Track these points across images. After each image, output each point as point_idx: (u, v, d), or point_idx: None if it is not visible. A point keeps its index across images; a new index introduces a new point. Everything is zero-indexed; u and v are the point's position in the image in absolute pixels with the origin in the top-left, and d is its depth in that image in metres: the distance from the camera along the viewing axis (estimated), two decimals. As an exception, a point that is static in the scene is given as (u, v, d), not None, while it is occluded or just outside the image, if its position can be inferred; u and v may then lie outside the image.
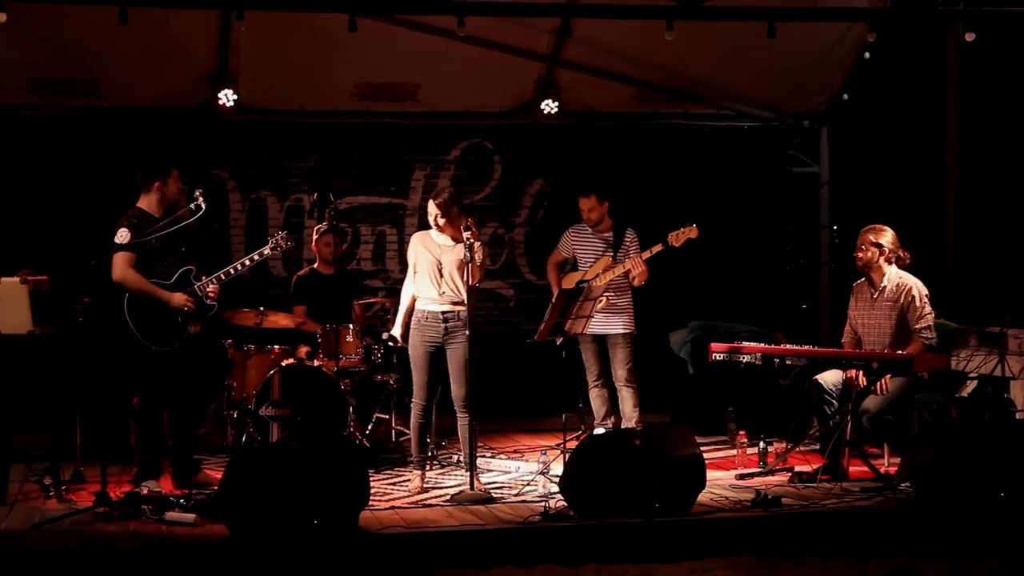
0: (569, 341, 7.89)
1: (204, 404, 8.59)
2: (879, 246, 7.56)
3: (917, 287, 7.53)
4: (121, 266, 7.14)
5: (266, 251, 7.58)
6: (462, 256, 7.15)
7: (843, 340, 7.77)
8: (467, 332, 7.17)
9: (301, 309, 8.91)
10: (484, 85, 10.48)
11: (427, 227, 7.46)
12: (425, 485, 7.43)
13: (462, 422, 7.35)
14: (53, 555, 5.95)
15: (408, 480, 7.55)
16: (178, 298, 7.21)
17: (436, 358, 7.34)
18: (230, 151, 10.47)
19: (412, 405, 7.43)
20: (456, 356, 7.29)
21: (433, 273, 7.30)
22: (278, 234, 7.68)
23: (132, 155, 9.93)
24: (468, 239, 7.06)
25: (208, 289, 7.31)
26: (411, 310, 7.45)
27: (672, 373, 10.00)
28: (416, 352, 7.36)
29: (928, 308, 7.49)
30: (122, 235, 7.14)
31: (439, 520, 6.61)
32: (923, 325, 7.46)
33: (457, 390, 7.31)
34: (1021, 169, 11.93)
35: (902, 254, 7.60)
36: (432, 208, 7.33)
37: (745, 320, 10.08)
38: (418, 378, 7.37)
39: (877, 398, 7.30)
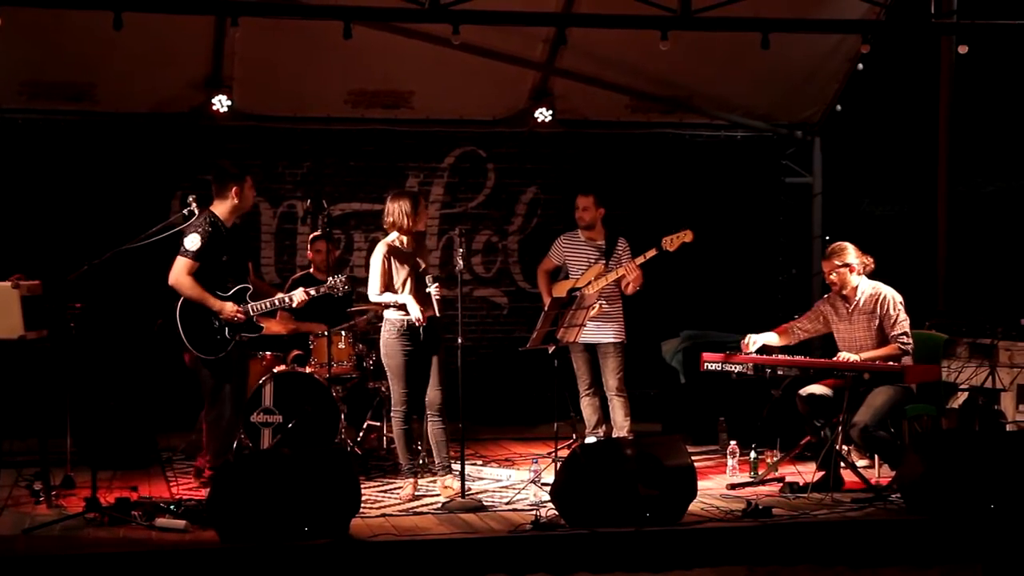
0: (561, 350, 7.89)
1: (197, 411, 8.58)
2: (847, 265, 7.55)
3: (891, 295, 7.53)
4: (180, 271, 7.15)
5: (322, 289, 7.60)
6: (425, 263, 7.44)
7: (797, 326, 7.77)
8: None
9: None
10: (478, 93, 10.49)
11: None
12: (416, 493, 7.42)
13: (436, 427, 7.36)
14: (42, 561, 5.94)
15: (399, 488, 7.54)
16: (229, 308, 7.22)
17: (415, 366, 7.35)
18: (223, 157, 10.44)
19: (393, 414, 7.44)
20: (437, 360, 7.33)
21: (414, 283, 7.33)
22: (338, 277, 7.62)
23: (126, 160, 10.06)
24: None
25: (255, 314, 7.33)
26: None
27: (664, 382, 9.99)
28: (396, 361, 7.33)
29: (903, 315, 7.49)
30: (192, 241, 7.12)
31: (430, 528, 6.61)
32: (899, 331, 7.45)
33: (435, 394, 7.33)
34: (1013, 181, 11.98)
35: (866, 261, 7.61)
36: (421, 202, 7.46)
37: (737, 330, 10.05)
38: (398, 387, 7.35)
39: (867, 410, 7.30)
